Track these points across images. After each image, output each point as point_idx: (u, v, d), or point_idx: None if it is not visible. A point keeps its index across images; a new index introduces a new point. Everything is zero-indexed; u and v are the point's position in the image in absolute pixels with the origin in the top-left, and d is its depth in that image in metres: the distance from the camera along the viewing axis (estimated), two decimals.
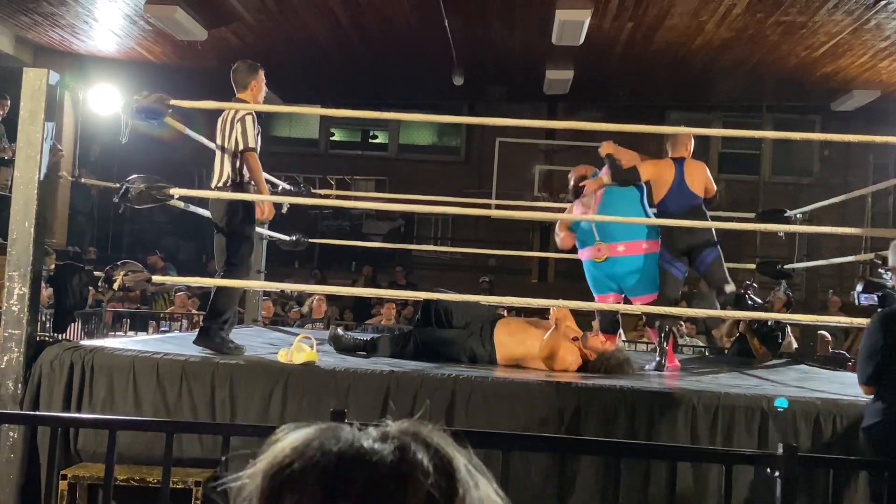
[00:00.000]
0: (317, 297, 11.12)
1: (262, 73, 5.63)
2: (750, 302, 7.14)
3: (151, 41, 11.99)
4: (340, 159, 16.74)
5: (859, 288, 5.54)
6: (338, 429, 0.79)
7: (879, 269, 5.43)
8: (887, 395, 3.48)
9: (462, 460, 0.79)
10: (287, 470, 0.76)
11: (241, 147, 5.36)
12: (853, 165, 14.97)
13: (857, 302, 5.49)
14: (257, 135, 5.49)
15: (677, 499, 3.68)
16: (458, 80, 12.56)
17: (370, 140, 17.43)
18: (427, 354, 5.53)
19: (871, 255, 7.42)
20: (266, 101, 5.81)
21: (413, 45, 11.80)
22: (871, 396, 3.58)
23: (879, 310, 4.18)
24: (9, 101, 11.02)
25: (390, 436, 0.78)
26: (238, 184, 5.40)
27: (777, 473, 2.73)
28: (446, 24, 10.36)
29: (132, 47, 12.33)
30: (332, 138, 17.23)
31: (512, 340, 5.58)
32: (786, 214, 7.56)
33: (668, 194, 6.16)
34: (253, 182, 5.44)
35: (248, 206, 5.45)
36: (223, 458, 3.07)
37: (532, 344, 5.50)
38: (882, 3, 9.13)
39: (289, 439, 0.79)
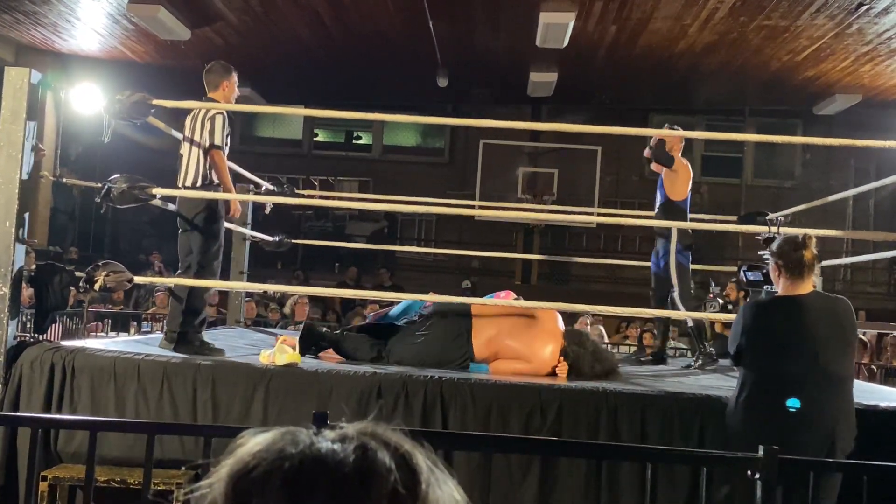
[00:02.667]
0: (299, 299, 11.08)
1: (235, 76, 5.61)
2: (721, 301, 7.32)
3: (134, 41, 11.93)
4: (324, 160, 16.70)
5: (745, 267, 5.87)
6: (296, 432, 0.79)
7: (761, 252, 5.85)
8: (746, 373, 3.80)
9: (422, 456, 0.80)
10: (251, 474, 0.76)
11: (207, 144, 5.31)
12: (835, 169, 15.06)
13: (744, 279, 5.78)
14: (227, 135, 5.47)
15: (660, 502, 3.70)
16: (443, 82, 12.56)
17: (354, 141, 17.41)
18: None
19: (853, 259, 7.49)
20: (249, 102, 5.80)
21: (397, 47, 11.79)
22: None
23: (755, 298, 4.52)
24: None
25: (348, 437, 0.79)
26: (209, 183, 5.36)
27: (757, 476, 2.75)
28: (431, 25, 10.37)
29: (115, 46, 12.27)
30: (315, 139, 17.19)
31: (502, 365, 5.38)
32: (767, 217, 7.61)
33: (689, 195, 6.75)
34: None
35: (219, 206, 5.42)
36: (203, 459, 3.06)
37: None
38: (864, 7, 9.20)
39: (250, 444, 0.79)
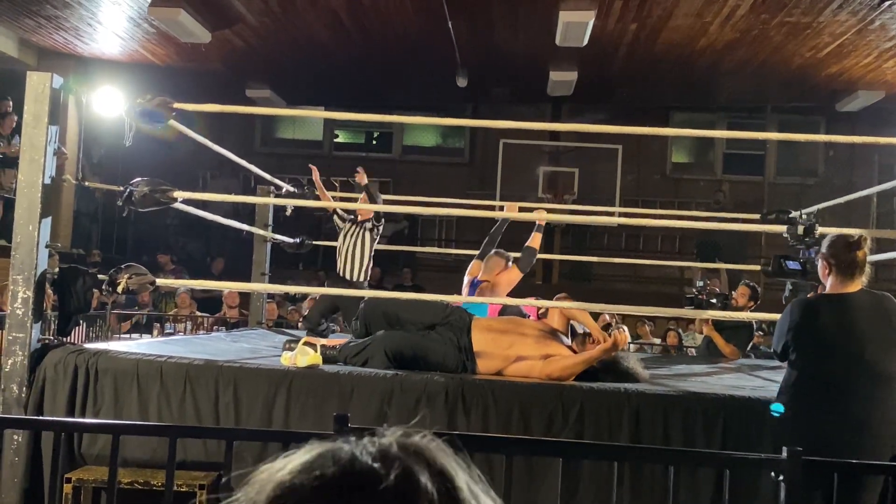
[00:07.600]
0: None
1: None
2: (714, 300, 7.28)
3: (155, 43, 11.99)
4: (344, 161, 16.70)
5: (783, 257, 5.85)
6: (337, 450, 0.77)
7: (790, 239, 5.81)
8: (792, 372, 3.75)
9: (464, 478, 0.78)
10: (291, 491, 0.74)
11: None
12: (858, 166, 14.93)
13: (785, 268, 5.75)
14: None
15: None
16: (462, 82, 12.55)
17: (374, 142, 17.43)
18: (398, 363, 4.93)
19: (878, 257, 7.43)
20: (269, 104, 5.82)
21: (417, 47, 11.79)
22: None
23: (798, 297, 4.47)
24: (11, 103, 11.07)
25: (391, 455, 0.77)
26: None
27: (781, 478, 2.72)
28: (450, 25, 10.36)
29: (136, 50, 12.34)
30: (336, 140, 17.23)
31: (498, 350, 4.95)
32: (791, 215, 7.56)
33: None
34: None
35: None
36: (226, 463, 3.06)
37: (527, 357, 4.90)
38: (887, 3, 9.11)
39: (288, 461, 0.78)
